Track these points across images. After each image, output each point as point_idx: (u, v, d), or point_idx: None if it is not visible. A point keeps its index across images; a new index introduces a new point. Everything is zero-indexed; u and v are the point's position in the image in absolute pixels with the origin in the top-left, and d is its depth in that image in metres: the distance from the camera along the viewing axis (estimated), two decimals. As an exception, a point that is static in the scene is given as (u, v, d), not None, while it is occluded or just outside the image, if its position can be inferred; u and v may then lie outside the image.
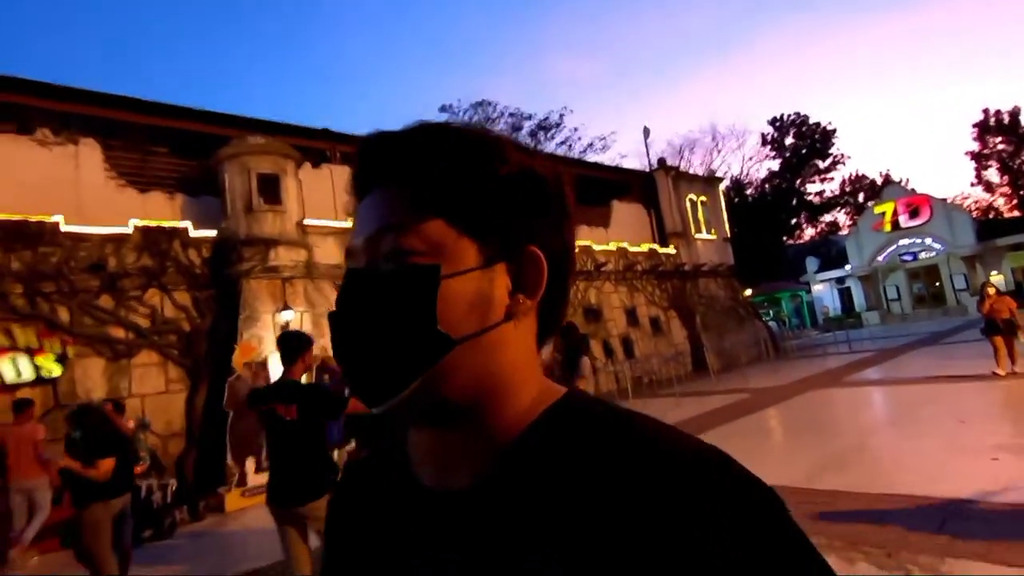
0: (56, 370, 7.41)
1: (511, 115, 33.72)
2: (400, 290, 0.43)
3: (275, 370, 8.15)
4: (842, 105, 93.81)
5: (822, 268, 33.39)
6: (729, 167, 42.86)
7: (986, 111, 38.80)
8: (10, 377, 7.07)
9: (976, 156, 39.61)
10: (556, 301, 0.49)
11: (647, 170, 19.87)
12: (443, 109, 34.47)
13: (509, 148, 0.48)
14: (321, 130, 11.58)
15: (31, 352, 7.28)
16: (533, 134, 34.19)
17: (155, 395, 8.29)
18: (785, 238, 42.30)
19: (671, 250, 18.17)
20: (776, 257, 36.98)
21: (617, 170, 20.16)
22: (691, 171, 27.94)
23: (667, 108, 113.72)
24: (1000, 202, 39.48)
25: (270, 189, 9.09)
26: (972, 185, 41.03)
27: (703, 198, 20.11)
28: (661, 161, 19.97)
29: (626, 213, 18.13)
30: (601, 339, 14.65)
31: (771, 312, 30.62)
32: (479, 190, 0.46)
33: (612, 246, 16.14)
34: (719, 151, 42.09)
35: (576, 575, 0.38)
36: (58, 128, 8.91)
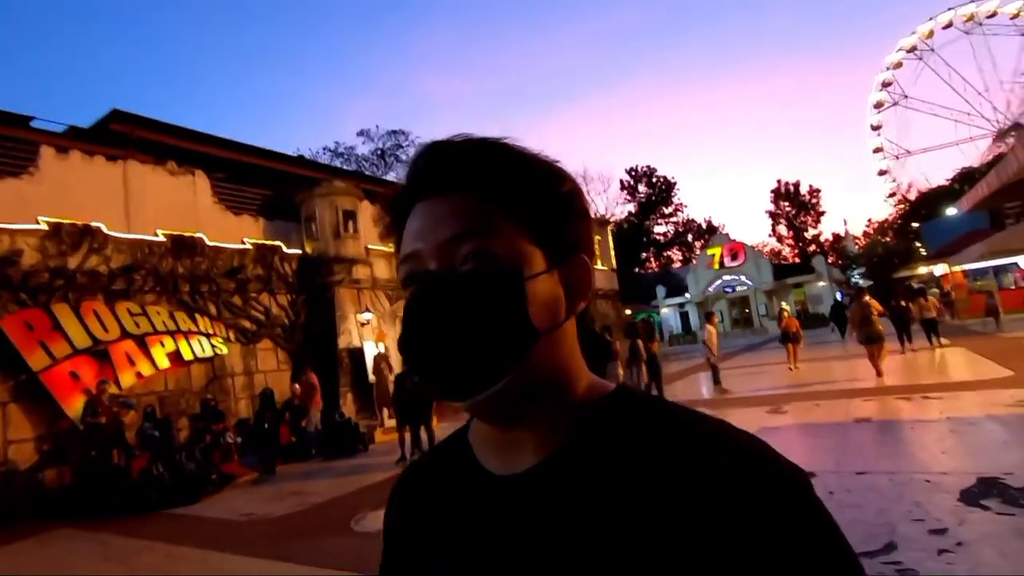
0: (224, 349, 10.02)
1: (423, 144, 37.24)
2: (490, 290, 0.46)
3: (369, 352, 11.47)
4: (678, 156, 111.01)
5: (668, 295, 41.80)
6: (596, 207, 50.54)
7: (779, 181, 51.42)
8: (199, 353, 9.59)
9: (772, 214, 52.00)
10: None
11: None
12: (361, 133, 37.02)
13: (563, 170, 0.54)
14: (358, 172, 14.70)
15: (209, 336, 9.82)
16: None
17: (272, 372, 11.05)
18: (637, 269, 50.96)
19: (578, 277, 23.50)
20: (633, 284, 44.96)
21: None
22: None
23: (533, 138, 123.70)
24: (787, 250, 52.16)
25: (350, 221, 12.27)
26: (769, 236, 53.51)
27: (597, 237, 25.91)
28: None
29: (546, 246, 23.10)
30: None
31: (633, 329, 37.87)
32: (546, 203, 0.51)
33: (542, 272, 20.91)
34: (587, 192, 49.49)
35: (636, 550, 0.41)
36: (179, 161, 11.22)
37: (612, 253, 26.81)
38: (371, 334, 11.98)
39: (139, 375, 8.77)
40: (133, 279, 9.29)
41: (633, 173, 53.21)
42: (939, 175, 42.08)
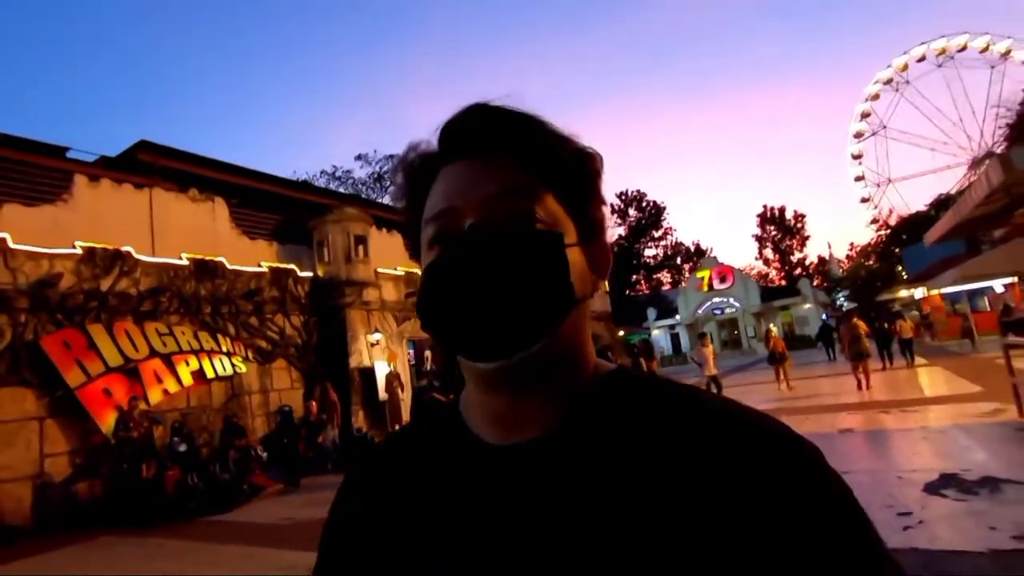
0: (243, 368, 10.48)
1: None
2: (537, 249, 0.46)
3: (379, 371, 11.99)
4: (665, 179, 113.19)
5: (658, 317, 42.58)
6: (588, 230, 51.41)
7: (765, 206, 52.85)
8: (220, 371, 10.04)
9: (759, 238, 53.29)
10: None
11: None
12: (359, 158, 37.87)
13: (595, 151, 0.53)
14: (368, 200, 15.34)
15: (230, 355, 10.30)
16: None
17: (286, 390, 11.51)
18: (628, 291, 51.76)
19: (573, 299, 24.20)
20: (624, 306, 45.72)
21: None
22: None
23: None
24: (773, 273, 53.35)
25: (361, 245, 12.87)
26: (756, 259, 54.77)
27: (591, 260, 26.74)
28: (565, 231, 26.31)
29: (542, 269, 23.83)
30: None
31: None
32: (582, 180, 0.52)
33: (539, 294, 21.58)
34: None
35: (657, 515, 0.41)
36: (200, 188, 11.80)
37: (605, 276, 27.62)
38: (381, 354, 12.48)
39: (165, 392, 9.22)
40: (160, 301, 9.78)
41: (624, 197, 54.30)
42: (919, 201, 43.70)
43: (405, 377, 12.07)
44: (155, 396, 9.04)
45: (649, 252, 54.28)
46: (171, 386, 9.30)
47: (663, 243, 53.82)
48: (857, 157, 42.59)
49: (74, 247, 8.98)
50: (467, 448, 0.51)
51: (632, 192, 54.13)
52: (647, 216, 53.53)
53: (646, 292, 52.73)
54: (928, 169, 42.42)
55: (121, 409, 8.35)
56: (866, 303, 37.60)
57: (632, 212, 53.78)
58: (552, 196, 0.49)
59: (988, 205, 5.50)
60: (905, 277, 34.45)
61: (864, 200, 43.91)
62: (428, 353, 13.74)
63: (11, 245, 8.32)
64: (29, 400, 8.04)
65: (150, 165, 11.21)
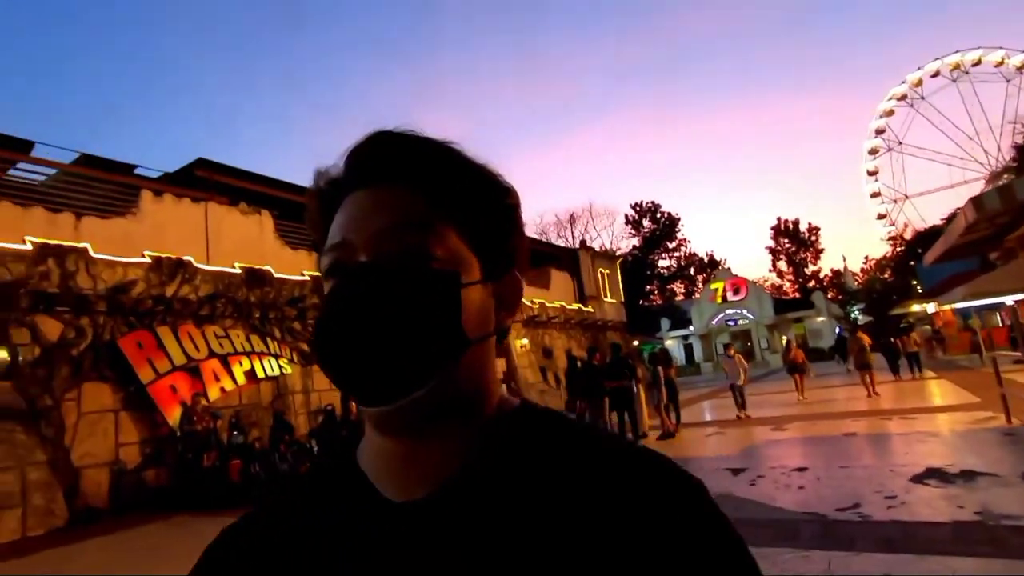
0: (289, 369, 11.34)
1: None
2: (425, 289, 0.44)
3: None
4: (680, 189, 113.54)
5: (672, 327, 43.07)
6: (602, 240, 52.19)
7: (779, 219, 53.24)
8: (268, 372, 10.91)
9: (772, 251, 53.66)
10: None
11: (573, 248, 26.79)
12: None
13: (508, 182, 0.53)
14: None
15: (277, 357, 11.17)
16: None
17: (326, 391, 12.34)
18: (641, 301, 52.28)
19: (590, 309, 24.88)
20: (638, 316, 46.28)
21: (553, 246, 26.86)
22: (571, 239, 35.85)
23: (535, 168, 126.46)
24: (787, 285, 53.63)
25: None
26: (769, 271, 55.19)
27: (607, 271, 27.40)
28: (582, 243, 27.05)
29: (559, 279, 24.55)
30: (552, 371, 20.49)
31: (638, 360, 39.05)
32: (489, 214, 0.50)
33: (557, 304, 22.31)
34: (594, 226, 51.43)
35: (559, 565, 0.40)
36: (249, 201, 12.75)
37: (620, 287, 28.29)
38: (411, 358, 13.25)
39: (222, 390, 10.09)
40: (216, 306, 10.69)
41: (638, 208, 55.05)
42: (936, 215, 43.88)
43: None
44: (214, 393, 9.91)
45: (663, 263, 54.88)
46: (227, 384, 10.17)
47: (677, 254, 54.45)
48: (872, 174, 42.94)
49: (143, 256, 9.92)
50: (362, 503, 0.48)
51: (647, 203, 54.90)
52: (661, 227, 54.15)
53: (660, 302, 53.25)
54: (945, 184, 42.63)
55: (185, 405, 9.22)
56: (881, 317, 37.81)
57: (647, 223, 54.46)
58: (454, 231, 0.48)
59: (974, 233, 6.14)
60: (920, 291, 34.67)
61: (880, 217, 44.16)
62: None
63: (92, 254, 9.27)
64: (107, 394, 8.94)
65: (206, 180, 12.18)
